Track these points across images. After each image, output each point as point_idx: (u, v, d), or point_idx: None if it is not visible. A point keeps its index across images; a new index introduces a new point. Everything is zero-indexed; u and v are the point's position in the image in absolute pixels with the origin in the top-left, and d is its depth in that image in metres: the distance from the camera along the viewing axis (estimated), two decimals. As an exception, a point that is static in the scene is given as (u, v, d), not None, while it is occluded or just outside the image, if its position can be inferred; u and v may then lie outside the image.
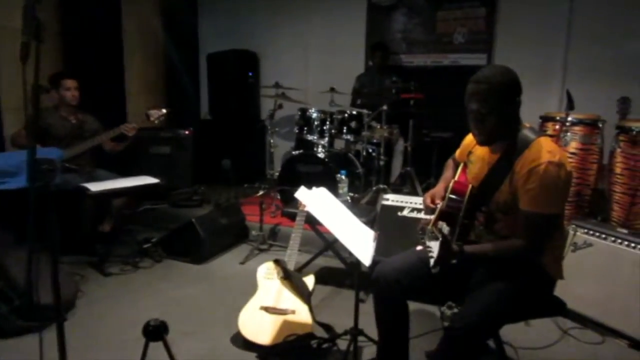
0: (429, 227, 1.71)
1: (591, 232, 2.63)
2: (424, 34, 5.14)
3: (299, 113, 4.42)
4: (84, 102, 3.64)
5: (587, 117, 3.42)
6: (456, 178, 1.89)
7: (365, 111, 4.30)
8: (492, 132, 1.64)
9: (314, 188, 2.22)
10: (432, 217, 1.82)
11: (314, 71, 5.63)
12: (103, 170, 3.62)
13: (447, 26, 5.02)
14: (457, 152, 2.06)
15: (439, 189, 1.95)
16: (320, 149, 4.29)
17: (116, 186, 3.23)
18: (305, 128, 4.37)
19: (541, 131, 2.39)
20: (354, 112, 4.33)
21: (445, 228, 1.68)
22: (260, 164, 5.45)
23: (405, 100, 4.48)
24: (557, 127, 3.44)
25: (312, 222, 2.76)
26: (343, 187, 3.35)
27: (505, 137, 1.67)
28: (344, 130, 4.33)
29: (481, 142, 1.70)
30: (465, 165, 1.93)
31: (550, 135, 3.36)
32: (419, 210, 3.05)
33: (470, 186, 1.75)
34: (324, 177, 3.88)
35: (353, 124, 4.30)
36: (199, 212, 3.95)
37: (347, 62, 5.37)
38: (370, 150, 4.51)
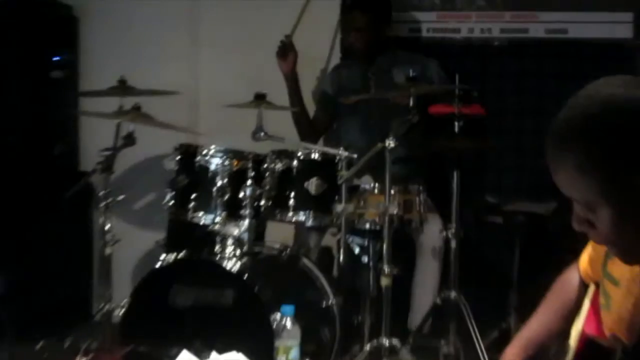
0: None
1: None
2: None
3: (178, 157, 4.49)
4: None
5: None
6: (581, 322, 2.08)
7: (341, 152, 4.31)
8: (621, 240, 1.70)
9: (214, 353, 2.41)
10: None
11: (213, 55, 5.95)
12: None
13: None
14: (583, 260, 2.25)
15: (527, 344, 2.24)
16: (230, 248, 4.27)
17: None
18: (194, 195, 4.35)
19: None
20: (315, 156, 4.40)
21: None
22: (80, 285, 5.60)
23: (441, 123, 4.57)
24: None
25: None
26: (289, 348, 3.39)
27: None
28: (291, 201, 4.33)
29: (626, 260, 1.82)
30: (599, 291, 2.06)
31: None
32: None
33: (613, 341, 1.89)
34: (239, 320, 3.90)
35: (312, 186, 4.26)
36: None
37: (305, 38, 5.45)
38: (357, 250, 4.49)
